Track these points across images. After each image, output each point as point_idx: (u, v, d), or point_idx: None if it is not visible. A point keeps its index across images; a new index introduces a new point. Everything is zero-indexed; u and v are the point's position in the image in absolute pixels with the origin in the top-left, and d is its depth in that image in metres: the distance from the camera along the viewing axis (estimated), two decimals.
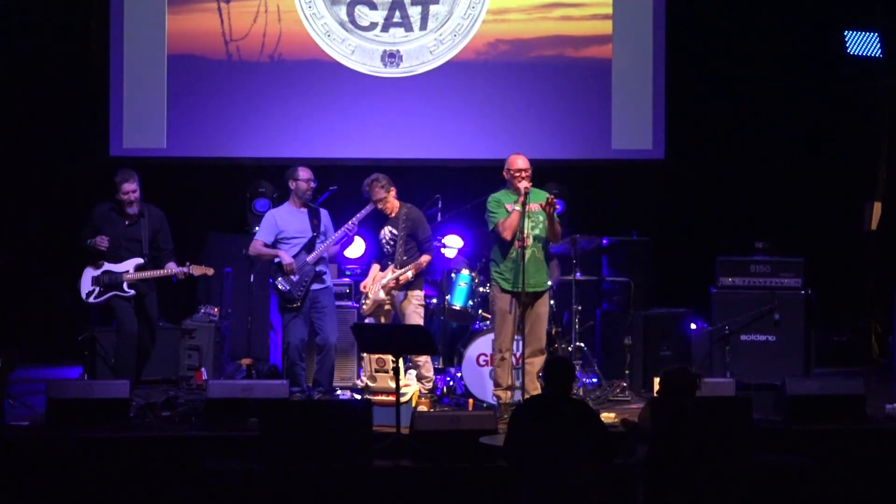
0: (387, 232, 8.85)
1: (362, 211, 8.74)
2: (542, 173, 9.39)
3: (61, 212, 11.00)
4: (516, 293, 8.37)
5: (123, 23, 10.88)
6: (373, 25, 11.06)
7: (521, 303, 8.34)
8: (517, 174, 8.44)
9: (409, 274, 8.69)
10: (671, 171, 11.17)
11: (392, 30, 11.05)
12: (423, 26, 11.04)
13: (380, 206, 8.77)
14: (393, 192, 8.83)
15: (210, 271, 8.95)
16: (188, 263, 8.85)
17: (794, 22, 11.18)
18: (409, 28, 11.05)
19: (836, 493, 7.58)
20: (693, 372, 6.45)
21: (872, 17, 10.97)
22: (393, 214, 8.83)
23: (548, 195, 8.45)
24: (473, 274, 9.39)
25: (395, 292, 8.76)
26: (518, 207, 8.35)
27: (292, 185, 8.93)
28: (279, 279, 8.77)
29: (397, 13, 11.05)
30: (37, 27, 11.00)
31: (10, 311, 10.91)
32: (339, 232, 8.86)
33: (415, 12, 11.03)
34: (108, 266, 8.72)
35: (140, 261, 8.75)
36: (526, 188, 8.37)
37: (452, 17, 11.04)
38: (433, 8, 11.04)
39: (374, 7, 11.04)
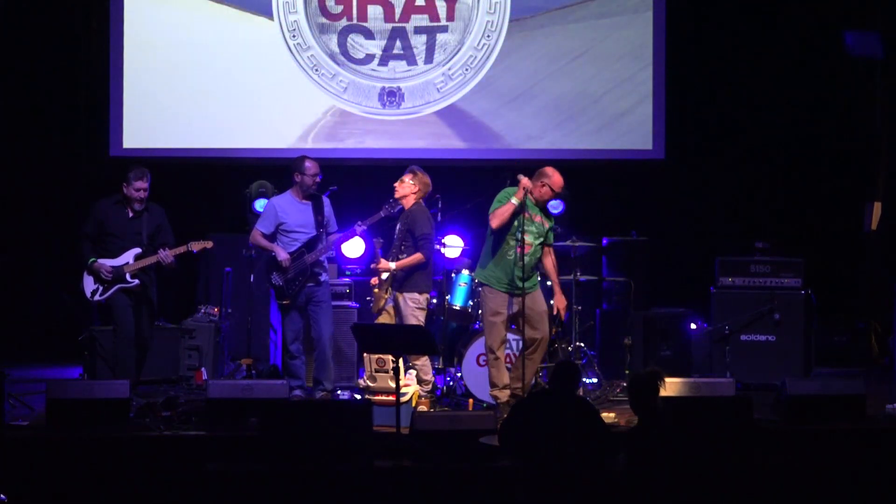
0: (397, 228, 8.85)
1: (373, 217, 8.65)
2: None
3: (61, 211, 11.01)
4: (510, 293, 8.33)
5: (123, 23, 10.88)
6: (369, 58, 9.97)
7: (519, 303, 8.31)
8: (541, 183, 8.37)
9: (392, 265, 8.63)
10: (671, 171, 11.17)
11: (392, 63, 10.05)
12: (429, 59, 10.00)
13: (397, 189, 8.72)
14: (418, 190, 8.73)
15: (209, 244, 8.87)
16: (188, 242, 8.80)
17: (794, 22, 11.19)
18: (412, 61, 9.98)
19: (836, 493, 7.57)
20: (659, 373, 6.53)
21: (872, 17, 10.97)
22: (406, 209, 8.81)
23: None
24: (473, 274, 9.37)
25: (390, 290, 8.73)
26: (515, 201, 8.25)
27: (297, 177, 8.84)
28: (273, 274, 8.76)
29: (398, 43, 9.89)
30: (37, 27, 11.00)
31: (10, 310, 10.91)
32: (346, 232, 8.82)
33: (419, 42, 10.00)
34: (108, 262, 8.69)
35: (138, 250, 8.72)
36: (525, 185, 8.28)
37: (464, 47, 9.80)
38: (441, 37, 10.05)
39: (370, 36, 9.92)
